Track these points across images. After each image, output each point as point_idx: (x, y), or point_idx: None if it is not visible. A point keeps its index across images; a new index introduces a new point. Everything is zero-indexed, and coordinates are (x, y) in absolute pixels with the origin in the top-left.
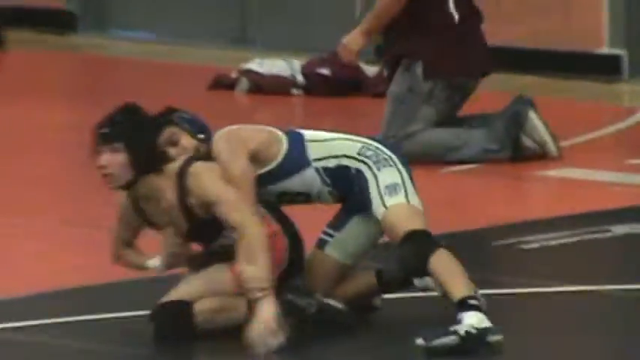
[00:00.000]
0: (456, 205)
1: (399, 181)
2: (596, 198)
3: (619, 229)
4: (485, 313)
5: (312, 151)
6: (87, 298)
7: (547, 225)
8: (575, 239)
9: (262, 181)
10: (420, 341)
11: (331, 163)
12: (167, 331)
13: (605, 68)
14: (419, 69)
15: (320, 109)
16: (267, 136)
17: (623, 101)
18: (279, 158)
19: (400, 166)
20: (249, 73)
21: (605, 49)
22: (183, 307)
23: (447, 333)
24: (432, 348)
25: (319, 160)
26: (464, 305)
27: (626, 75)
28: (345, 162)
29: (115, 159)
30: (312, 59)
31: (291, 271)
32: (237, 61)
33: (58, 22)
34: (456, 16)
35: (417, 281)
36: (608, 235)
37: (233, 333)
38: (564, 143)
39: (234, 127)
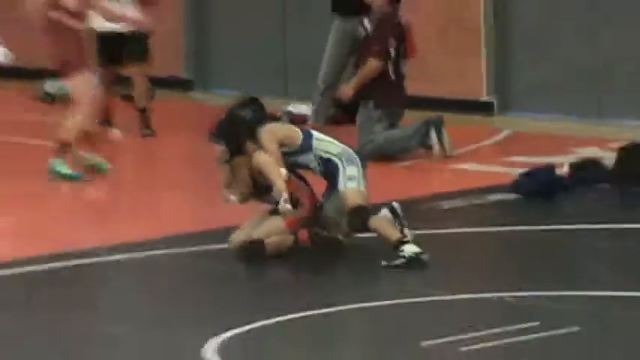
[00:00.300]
0: (403, 184)
1: (356, 174)
2: (482, 179)
3: (494, 197)
4: (415, 243)
5: (314, 144)
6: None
7: (452, 195)
8: (466, 203)
9: (287, 155)
10: (383, 262)
11: (323, 155)
12: (252, 257)
13: (485, 108)
14: (371, 104)
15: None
16: (291, 132)
17: (495, 126)
18: (298, 143)
19: (359, 166)
20: (288, 112)
21: (484, 97)
22: (260, 244)
23: (398, 257)
24: (390, 266)
25: (317, 150)
26: (401, 242)
27: (496, 111)
28: (330, 156)
29: (219, 148)
30: None
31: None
32: (280, 105)
33: (179, 85)
34: (392, 77)
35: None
36: (487, 199)
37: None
38: (463, 150)
39: (277, 125)
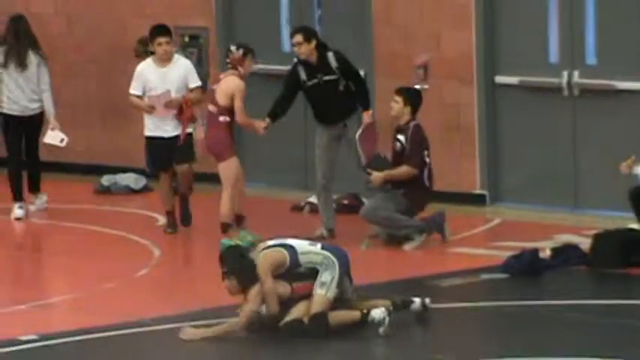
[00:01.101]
0: (408, 265)
1: (329, 280)
2: (475, 261)
3: (487, 276)
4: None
5: (300, 260)
6: None
7: (450, 274)
8: (462, 281)
9: (281, 274)
10: (380, 331)
11: (309, 265)
12: (298, 334)
13: (478, 200)
14: (401, 192)
15: (341, 219)
16: (280, 258)
17: (487, 215)
18: (287, 264)
19: (336, 270)
20: (310, 203)
21: (477, 190)
22: (299, 322)
23: (380, 324)
24: (386, 331)
25: (304, 263)
26: (366, 314)
27: (488, 202)
28: (314, 265)
29: (231, 282)
30: (339, 196)
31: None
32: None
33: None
34: (427, 184)
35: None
36: (481, 278)
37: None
38: (461, 235)
39: (267, 252)
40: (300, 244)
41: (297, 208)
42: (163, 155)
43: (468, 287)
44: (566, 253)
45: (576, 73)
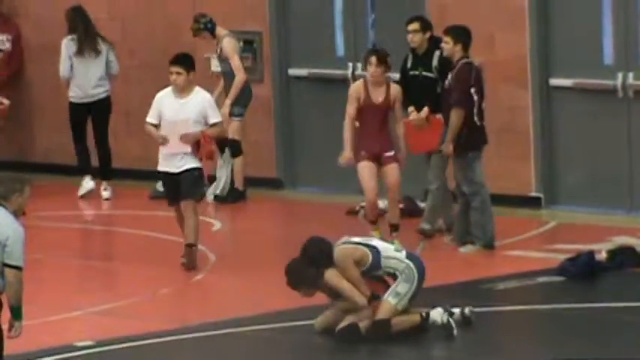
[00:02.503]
0: (466, 268)
1: (404, 293)
2: (531, 264)
3: (543, 279)
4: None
5: (382, 263)
6: None
7: (507, 277)
8: (519, 284)
9: (364, 271)
10: (454, 329)
11: (390, 270)
12: (353, 338)
13: (533, 203)
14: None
15: None
16: (363, 255)
17: (542, 218)
18: (369, 263)
19: (414, 284)
20: (363, 207)
21: (533, 193)
22: (355, 327)
23: (444, 326)
24: (450, 332)
25: (385, 267)
26: (425, 318)
27: (544, 205)
28: (394, 272)
29: (302, 292)
30: None
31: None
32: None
33: (272, 184)
34: (478, 122)
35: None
36: (537, 281)
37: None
38: (517, 238)
39: (344, 248)
40: (385, 247)
41: (353, 213)
42: (173, 191)
43: (523, 290)
44: (622, 256)
45: (631, 75)
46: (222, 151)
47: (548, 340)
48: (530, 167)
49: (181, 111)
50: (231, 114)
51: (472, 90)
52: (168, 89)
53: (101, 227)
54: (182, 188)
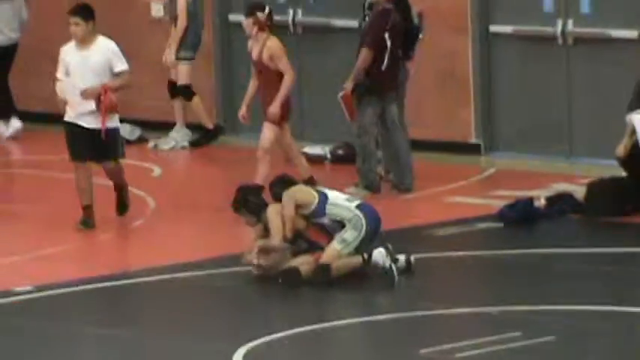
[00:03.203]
0: (404, 214)
1: (351, 240)
2: (470, 210)
3: (482, 225)
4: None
5: (327, 210)
6: None
7: (446, 223)
8: (458, 230)
9: (306, 217)
10: (392, 270)
11: (336, 218)
12: (294, 282)
13: (473, 149)
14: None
15: (337, 168)
16: (308, 197)
17: (481, 165)
18: (312, 208)
19: (361, 233)
20: (304, 153)
21: (473, 140)
22: (296, 271)
23: (383, 268)
24: (390, 273)
25: (330, 215)
26: (367, 260)
27: (483, 152)
28: (341, 219)
29: (245, 218)
30: (334, 145)
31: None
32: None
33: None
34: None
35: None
36: (476, 227)
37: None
38: (457, 185)
39: (296, 188)
40: (336, 196)
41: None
42: (82, 145)
43: (462, 236)
44: (560, 202)
45: (570, 22)
46: (173, 97)
47: (486, 286)
48: (469, 114)
49: (85, 62)
50: (179, 57)
51: (386, 35)
52: (72, 42)
53: (33, 171)
54: (101, 149)
